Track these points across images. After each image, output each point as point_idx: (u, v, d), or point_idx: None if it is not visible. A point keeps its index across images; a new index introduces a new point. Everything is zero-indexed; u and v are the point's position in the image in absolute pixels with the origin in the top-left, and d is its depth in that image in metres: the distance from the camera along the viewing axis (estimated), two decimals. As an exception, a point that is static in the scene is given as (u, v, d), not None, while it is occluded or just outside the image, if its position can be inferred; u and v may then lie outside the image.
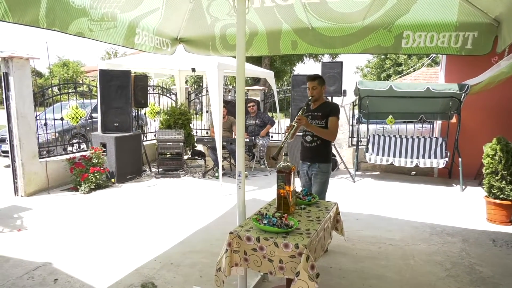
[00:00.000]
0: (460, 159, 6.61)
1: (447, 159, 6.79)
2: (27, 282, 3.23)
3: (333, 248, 3.88)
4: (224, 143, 6.78)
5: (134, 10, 3.22)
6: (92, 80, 9.63)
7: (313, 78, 3.69)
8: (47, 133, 6.70)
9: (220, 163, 6.28)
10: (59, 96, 7.41)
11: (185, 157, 8.03)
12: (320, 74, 4.28)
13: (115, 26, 3.13)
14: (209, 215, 5.02)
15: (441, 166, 6.74)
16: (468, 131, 7.02)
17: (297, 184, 3.02)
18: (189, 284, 3.21)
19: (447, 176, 7.36)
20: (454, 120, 7.11)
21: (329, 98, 7.16)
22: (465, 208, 5.49)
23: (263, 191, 6.20)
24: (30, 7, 2.28)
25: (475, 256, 3.83)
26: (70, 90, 7.67)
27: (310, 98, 3.68)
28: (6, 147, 6.48)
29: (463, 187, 6.52)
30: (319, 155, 3.72)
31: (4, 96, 5.66)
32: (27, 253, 3.79)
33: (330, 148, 3.83)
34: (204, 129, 10.45)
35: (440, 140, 7.01)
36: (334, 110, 3.67)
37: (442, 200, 5.91)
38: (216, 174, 6.97)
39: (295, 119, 3.47)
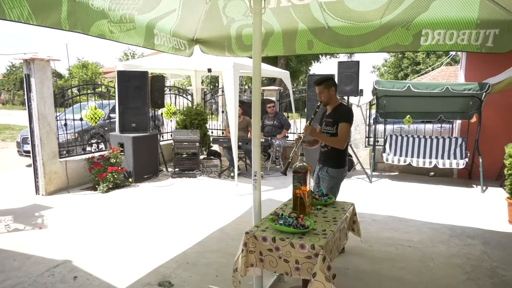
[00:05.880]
0: (480, 160, 6.46)
1: (467, 159, 6.64)
2: (47, 279, 3.30)
3: (349, 249, 3.84)
4: (240, 143, 6.79)
5: (151, 11, 3.25)
6: (110, 81, 9.79)
7: (318, 82, 3.58)
8: (67, 133, 6.85)
9: (236, 163, 6.30)
10: (78, 97, 7.56)
11: (201, 157, 8.08)
12: (328, 75, 4.18)
13: (134, 27, 3.18)
14: (224, 215, 5.04)
15: (461, 166, 6.60)
16: (489, 131, 6.84)
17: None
18: (205, 283, 3.22)
19: (467, 177, 7.19)
20: (474, 119, 6.94)
21: (345, 98, 7.10)
22: (486, 209, 5.36)
23: (278, 191, 6.19)
24: (52, 9, 2.34)
25: (496, 259, 3.73)
26: (89, 91, 7.82)
27: (319, 103, 3.59)
28: (28, 147, 6.65)
29: (484, 188, 6.37)
30: (330, 160, 3.62)
31: (26, 97, 5.81)
32: (48, 251, 3.89)
33: (343, 154, 3.62)
34: (220, 129, 10.51)
35: (459, 140, 6.87)
36: (344, 116, 3.49)
37: (462, 201, 5.78)
38: (232, 174, 7.00)
39: (303, 130, 3.44)
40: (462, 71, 7.42)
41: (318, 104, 3.58)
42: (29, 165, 6.94)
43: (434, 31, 3.19)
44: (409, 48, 3.37)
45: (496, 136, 6.60)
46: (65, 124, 6.67)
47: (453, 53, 19.67)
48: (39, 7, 2.24)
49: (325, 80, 3.58)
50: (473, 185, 6.71)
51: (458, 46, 3.19)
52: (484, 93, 6.29)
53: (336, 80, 5.42)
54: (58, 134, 6.26)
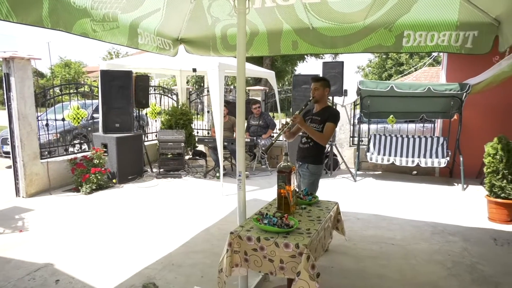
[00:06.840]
0: (461, 158, 6.61)
1: (448, 158, 6.78)
2: (28, 283, 3.23)
3: (334, 248, 3.87)
4: (225, 143, 6.78)
5: (135, 11, 3.22)
6: (94, 81, 9.64)
7: (317, 79, 3.78)
8: (48, 133, 6.70)
9: (221, 163, 6.29)
10: (60, 97, 7.42)
11: (186, 157, 8.03)
12: (324, 76, 4.36)
13: (118, 26, 3.13)
14: (210, 215, 5.02)
15: (443, 165, 6.73)
16: (469, 130, 7.01)
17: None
18: (190, 284, 3.21)
19: (448, 175, 7.34)
20: (455, 117, 7.10)
21: (330, 98, 7.16)
22: (466, 207, 5.48)
23: (264, 191, 6.20)
24: (32, 7, 2.28)
25: (476, 255, 3.82)
26: (71, 91, 7.68)
27: (311, 98, 3.71)
28: (8, 148, 6.50)
29: (465, 186, 6.51)
30: (310, 156, 3.72)
31: (5, 96, 5.67)
32: (29, 254, 3.80)
33: (323, 151, 3.81)
34: (205, 129, 10.46)
35: (441, 139, 7.01)
36: (332, 117, 3.65)
37: (444, 199, 5.90)
38: (217, 174, 6.98)
39: (291, 118, 3.57)
40: (444, 72, 7.58)
41: (310, 99, 3.71)
42: (9, 167, 6.78)
43: (416, 32, 3.26)
44: (392, 49, 3.44)
45: (476, 135, 6.75)
46: (47, 125, 6.53)
47: (435, 54, 20.08)
48: (19, 4, 2.19)
49: (323, 80, 3.80)
50: (454, 183, 6.86)
51: (438, 47, 3.27)
52: (465, 93, 6.44)
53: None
54: (39, 135, 6.13)
